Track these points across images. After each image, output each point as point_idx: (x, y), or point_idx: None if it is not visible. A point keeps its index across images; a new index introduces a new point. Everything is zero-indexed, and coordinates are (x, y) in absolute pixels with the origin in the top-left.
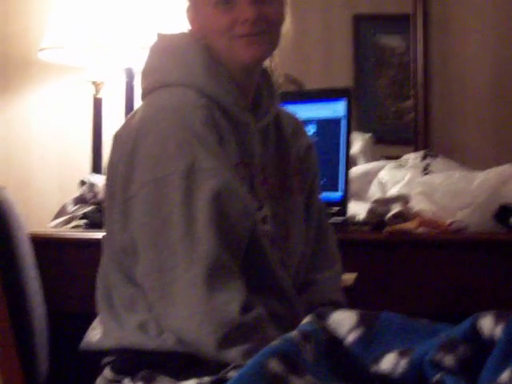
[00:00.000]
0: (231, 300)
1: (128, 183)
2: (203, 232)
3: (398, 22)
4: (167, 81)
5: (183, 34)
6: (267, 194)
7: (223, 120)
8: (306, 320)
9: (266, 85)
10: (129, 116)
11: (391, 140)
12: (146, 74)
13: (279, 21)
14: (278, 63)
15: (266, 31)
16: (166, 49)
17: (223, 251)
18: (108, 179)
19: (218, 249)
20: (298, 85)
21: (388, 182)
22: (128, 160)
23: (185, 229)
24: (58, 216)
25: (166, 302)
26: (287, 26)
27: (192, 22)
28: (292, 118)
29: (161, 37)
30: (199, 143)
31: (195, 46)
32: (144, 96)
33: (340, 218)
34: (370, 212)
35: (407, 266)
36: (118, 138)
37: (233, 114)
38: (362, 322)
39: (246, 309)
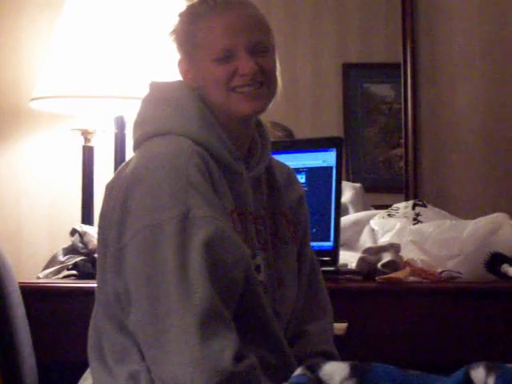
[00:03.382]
0: (225, 348)
1: (122, 231)
2: (197, 280)
3: (388, 71)
4: (161, 130)
5: (177, 83)
6: (260, 243)
7: (217, 169)
8: (298, 372)
9: (260, 135)
10: (121, 166)
11: (381, 188)
12: (139, 124)
13: (274, 69)
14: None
15: (265, 82)
16: (160, 99)
17: (217, 299)
18: (101, 228)
19: (211, 296)
20: (288, 132)
21: (378, 231)
22: (122, 208)
23: (179, 276)
24: (48, 266)
25: (160, 349)
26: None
27: (185, 73)
28: (284, 167)
29: (154, 86)
30: (193, 191)
31: (189, 96)
32: (137, 146)
33: (331, 268)
34: (361, 261)
35: (398, 315)
36: (110, 187)
37: (226, 164)
38: (353, 373)
39: (239, 357)
